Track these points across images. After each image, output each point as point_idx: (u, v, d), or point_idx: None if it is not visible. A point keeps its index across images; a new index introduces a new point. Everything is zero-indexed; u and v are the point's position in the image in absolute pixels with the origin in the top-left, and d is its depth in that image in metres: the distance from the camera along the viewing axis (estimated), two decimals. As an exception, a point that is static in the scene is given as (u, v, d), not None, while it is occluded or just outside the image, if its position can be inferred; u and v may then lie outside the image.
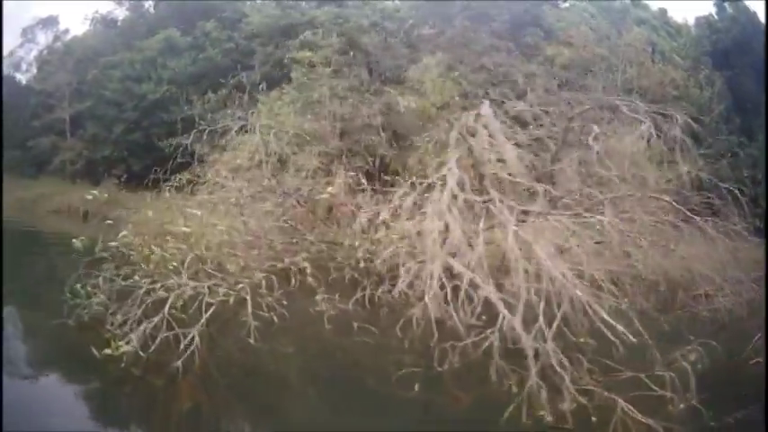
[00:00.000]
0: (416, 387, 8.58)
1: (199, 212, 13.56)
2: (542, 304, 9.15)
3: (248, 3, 45.31)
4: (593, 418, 7.38)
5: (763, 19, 36.06)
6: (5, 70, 54.06)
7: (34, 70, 52.79)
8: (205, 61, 40.12)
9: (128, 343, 8.36)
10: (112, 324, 9.25)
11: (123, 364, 8.19)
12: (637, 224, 12.73)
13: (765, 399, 7.25)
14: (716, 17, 38.55)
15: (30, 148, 47.08)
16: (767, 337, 8.67)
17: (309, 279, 12.73)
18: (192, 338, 8.85)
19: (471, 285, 10.68)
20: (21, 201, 40.14)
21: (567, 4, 46.06)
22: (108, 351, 8.15)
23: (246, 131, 20.57)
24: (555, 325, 8.81)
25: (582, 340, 9.13)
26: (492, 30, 34.11)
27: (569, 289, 9.26)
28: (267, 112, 23.62)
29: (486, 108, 15.96)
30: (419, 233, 12.66)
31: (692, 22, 45.60)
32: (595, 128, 14.50)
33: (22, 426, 6.69)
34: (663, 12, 51.36)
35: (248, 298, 10.25)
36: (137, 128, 39.94)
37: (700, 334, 9.85)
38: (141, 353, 8.43)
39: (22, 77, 54.04)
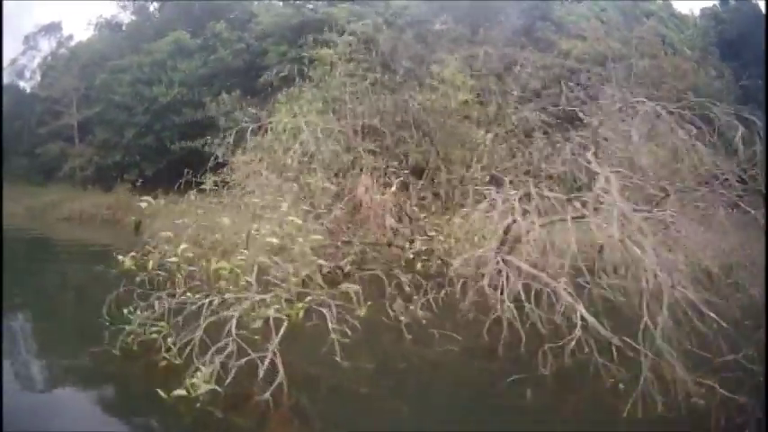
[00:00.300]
0: (528, 393, 7.69)
1: (244, 217, 12.02)
2: (645, 299, 7.98)
3: (256, 3, 44.01)
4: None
5: (764, 9, 36.14)
6: (8, 78, 52.81)
7: (38, 77, 51.54)
8: (216, 62, 38.67)
9: (197, 376, 6.73)
10: (169, 351, 7.73)
11: (199, 404, 6.61)
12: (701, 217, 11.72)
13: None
14: (719, 8, 38.05)
15: (37, 155, 45.65)
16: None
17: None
18: (272, 362, 7.29)
19: (546, 285, 9.63)
20: (30, 209, 38.78)
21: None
22: (180, 392, 6.45)
23: (266, 132, 18.40)
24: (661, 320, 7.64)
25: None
26: (503, 25, 33.18)
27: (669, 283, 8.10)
28: (287, 112, 22.63)
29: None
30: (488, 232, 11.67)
31: (696, 13, 44.52)
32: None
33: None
34: (668, 4, 49.73)
35: (332, 308, 8.67)
36: (148, 131, 38.46)
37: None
38: (217, 387, 6.80)
39: (25, 85, 52.74)
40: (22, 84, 52.62)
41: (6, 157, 49.71)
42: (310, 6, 38.39)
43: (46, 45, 51.90)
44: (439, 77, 25.08)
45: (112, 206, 34.25)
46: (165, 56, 39.49)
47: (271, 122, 20.52)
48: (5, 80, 52.87)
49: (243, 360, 7.22)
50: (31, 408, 6.88)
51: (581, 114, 14.98)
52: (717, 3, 40.48)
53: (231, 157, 21.18)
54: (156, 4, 48.28)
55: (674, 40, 40.64)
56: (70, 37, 50.73)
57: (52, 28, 51.14)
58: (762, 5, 35.81)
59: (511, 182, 12.31)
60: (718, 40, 36.23)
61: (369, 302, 9.84)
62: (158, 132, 38.30)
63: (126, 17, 50.28)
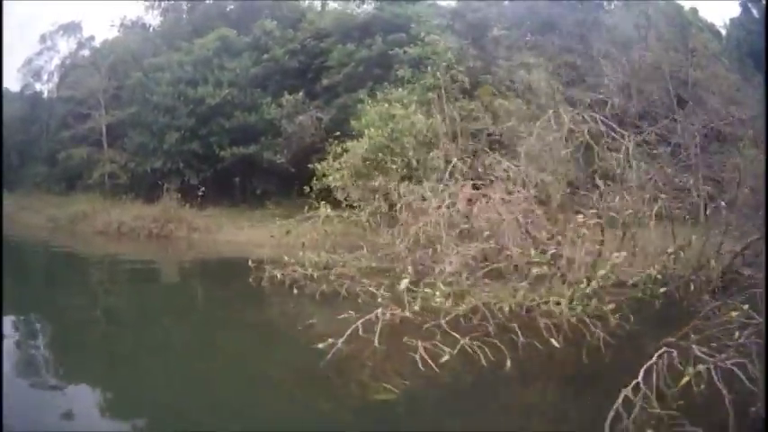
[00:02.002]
0: None
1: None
2: None
3: (307, 2, 38.73)
4: None
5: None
6: (22, 80, 46.41)
7: (55, 79, 45.14)
8: (270, 62, 33.06)
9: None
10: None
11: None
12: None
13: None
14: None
15: (58, 161, 39.34)
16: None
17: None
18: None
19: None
20: (54, 220, 32.66)
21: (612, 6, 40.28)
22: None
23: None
24: None
25: None
26: (560, 32, 30.74)
27: None
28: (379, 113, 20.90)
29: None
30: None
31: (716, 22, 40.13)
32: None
33: None
34: (694, 11, 45.05)
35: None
36: (193, 136, 32.52)
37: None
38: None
39: (42, 87, 46.28)
40: (38, 86, 46.17)
41: (22, 164, 43.56)
42: (372, 6, 33.13)
43: (64, 45, 45.57)
44: (526, 84, 22.85)
45: (159, 218, 28.34)
46: (209, 54, 33.65)
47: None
48: (20, 82, 46.66)
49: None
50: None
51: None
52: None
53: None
54: (187, 4, 42.29)
55: (714, 50, 37.23)
56: (91, 38, 44.52)
57: (71, 28, 44.68)
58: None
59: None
60: (751, 51, 32.75)
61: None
62: (205, 137, 32.47)
63: (153, 18, 44.34)
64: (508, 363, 7.96)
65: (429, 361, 7.84)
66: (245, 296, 14.03)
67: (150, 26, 44.08)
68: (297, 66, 32.81)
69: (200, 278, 19.69)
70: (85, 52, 43.79)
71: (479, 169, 15.68)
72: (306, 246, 15.35)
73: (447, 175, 14.98)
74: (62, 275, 19.52)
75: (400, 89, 24.42)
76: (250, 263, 14.40)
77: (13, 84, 62.78)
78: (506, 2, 34.80)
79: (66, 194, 37.21)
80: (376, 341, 8.59)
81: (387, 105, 21.34)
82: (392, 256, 14.38)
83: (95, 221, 30.66)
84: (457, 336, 8.48)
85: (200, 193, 28.65)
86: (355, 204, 17.72)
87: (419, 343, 8.12)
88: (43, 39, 45.10)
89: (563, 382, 8.29)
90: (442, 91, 20.72)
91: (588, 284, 9.77)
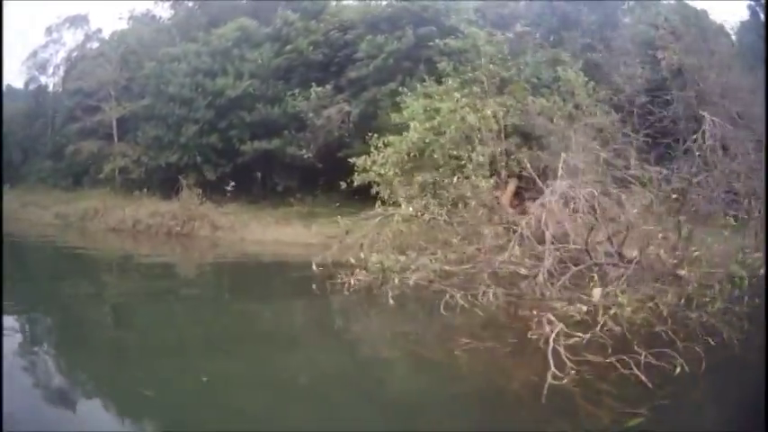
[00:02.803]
0: None
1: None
2: None
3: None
4: None
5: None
6: (27, 73, 43.86)
7: (62, 72, 42.54)
8: (293, 54, 30.64)
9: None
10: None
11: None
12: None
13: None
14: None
15: (63, 156, 36.81)
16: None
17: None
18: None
19: None
20: (62, 217, 30.17)
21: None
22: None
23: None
24: None
25: None
26: (581, 31, 29.20)
27: None
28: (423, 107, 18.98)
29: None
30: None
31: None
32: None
33: None
34: (704, 14, 42.90)
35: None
36: (212, 129, 29.89)
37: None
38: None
39: (48, 80, 43.65)
40: (43, 79, 43.54)
41: (26, 160, 41.03)
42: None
43: (71, 38, 43.10)
44: (565, 81, 21.35)
45: (179, 215, 25.93)
46: (229, 45, 31.17)
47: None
48: (25, 76, 44.10)
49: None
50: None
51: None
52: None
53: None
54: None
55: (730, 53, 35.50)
56: (99, 30, 41.96)
57: (78, 20, 42.19)
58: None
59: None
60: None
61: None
62: (224, 130, 29.86)
63: (163, 10, 41.86)
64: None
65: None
66: (329, 310, 12.37)
67: (161, 18, 41.60)
68: (320, 58, 30.44)
69: (253, 286, 16.90)
70: (93, 44, 41.32)
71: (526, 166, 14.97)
72: (365, 246, 13.58)
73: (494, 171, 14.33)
74: (75, 277, 16.97)
75: (444, 82, 22.03)
76: (314, 267, 12.16)
77: (15, 78, 60.49)
78: (523, 1, 33.25)
79: (74, 190, 34.75)
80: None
81: (429, 99, 19.41)
82: (466, 257, 12.62)
83: (108, 218, 28.19)
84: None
85: (228, 188, 26.61)
86: (401, 201, 15.76)
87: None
88: (49, 31, 42.65)
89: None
90: (486, 85, 19.01)
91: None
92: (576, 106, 18.52)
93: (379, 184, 16.91)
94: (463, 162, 16.68)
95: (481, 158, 15.93)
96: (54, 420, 6.57)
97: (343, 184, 18.75)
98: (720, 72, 27.86)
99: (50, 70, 42.92)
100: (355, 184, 18.05)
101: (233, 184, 26.50)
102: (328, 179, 25.97)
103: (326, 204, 26.10)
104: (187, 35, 33.57)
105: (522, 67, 24.06)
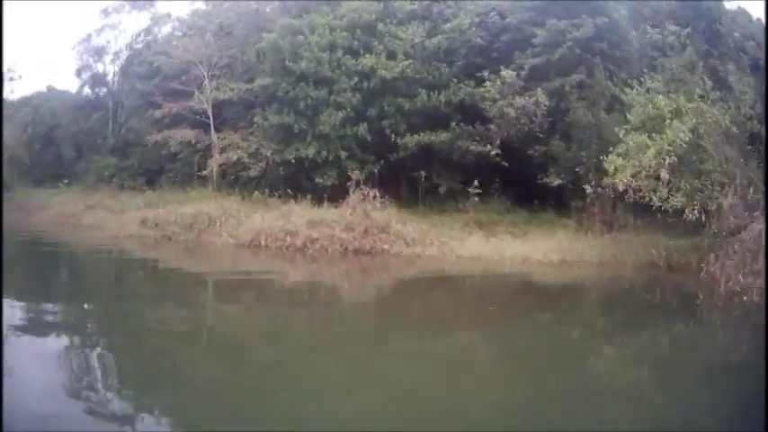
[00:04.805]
0: None
1: None
2: None
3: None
4: None
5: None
6: (79, 59, 35.25)
7: (122, 59, 34.04)
8: (455, 33, 22.73)
9: None
10: None
11: None
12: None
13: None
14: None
15: (131, 151, 28.53)
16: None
17: None
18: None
19: None
20: (153, 224, 21.75)
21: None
22: None
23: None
24: None
25: None
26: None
27: None
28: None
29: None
30: None
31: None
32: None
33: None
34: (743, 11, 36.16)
35: None
36: (358, 117, 21.85)
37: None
38: None
39: (107, 68, 35.01)
40: (100, 66, 34.87)
41: (80, 157, 32.56)
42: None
43: (132, 22, 35.06)
44: None
45: (354, 225, 17.81)
46: (371, 18, 23.56)
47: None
48: (76, 62, 35.44)
49: None
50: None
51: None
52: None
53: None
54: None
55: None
56: (168, 15, 33.69)
57: (140, 3, 34.06)
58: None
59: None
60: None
61: None
62: (374, 120, 21.96)
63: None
64: None
65: None
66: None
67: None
68: (479, 42, 23.03)
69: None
70: (162, 29, 33.19)
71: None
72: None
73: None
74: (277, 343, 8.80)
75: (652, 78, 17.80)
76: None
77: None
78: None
79: (148, 190, 26.26)
80: None
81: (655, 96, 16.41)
82: None
83: (229, 228, 19.80)
84: None
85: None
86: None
87: None
88: (105, 13, 34.17)
89: None
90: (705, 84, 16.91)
91: None
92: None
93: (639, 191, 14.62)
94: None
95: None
96: None
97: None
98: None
99: (108, 57, 34.29)
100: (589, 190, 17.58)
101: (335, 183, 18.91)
102: (508, 179, 21.60)
103: (500, 210, 20.99)
104: (304, 8, 25.54)
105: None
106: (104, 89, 34.25)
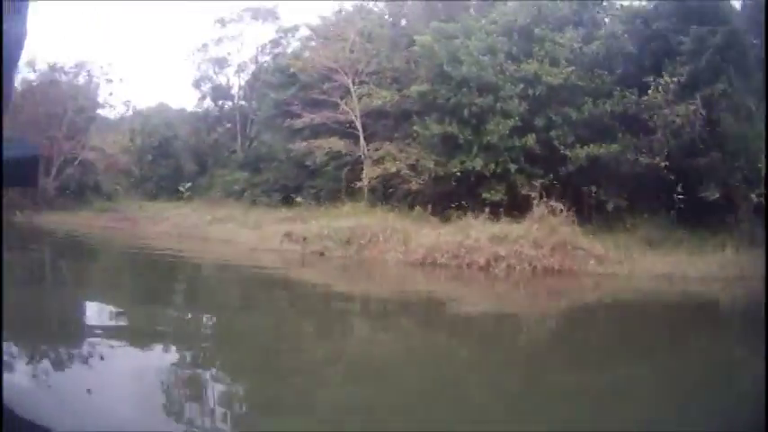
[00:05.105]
0: None
1: None
2: None
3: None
4: None
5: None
6: (198, 69, 34.77)
7: (249, 70, 33.25)
8: (610, 40, 20.79)
9: None
10: None
11: None
12: None
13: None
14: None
15: (263, 166, 27.38)
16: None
17: None
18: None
19: None
20: (301, 240, 20.09)
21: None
22: None
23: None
24: None
25: None
26: None
27: None
28: None
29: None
30: None
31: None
32: None
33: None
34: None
35: None
36: (526, 127, 19.97)
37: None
38: None
39: (232, 80, 34.33)
40: (222, 78, 34.20)
41: (203, 171, 31.78)
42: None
43: (253, 33, 34.35)
44: None
45: (541, 241, 15.72)
46: (527, 22, 21.56)
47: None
48: (194, 73, 34.97)
49: None
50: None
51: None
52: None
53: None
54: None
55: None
56: (295, 27, 32.73)
57: (263, 13, 33.27)
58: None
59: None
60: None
61: None
62: (542, 130, 20.04)
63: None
64: None
65: None
66: None
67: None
68: (631, 49, 20.72)
69: None
70: (290, 41, 32.25)
71: None
72: None
73: None
74: None
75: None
76: None
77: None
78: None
79: (278, 206, 24.91)
80: None
81: None
82: None
83: (397, 244, 17.87)
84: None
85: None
86: None
87: None
88: (222, 23, 33.48)
89: None
90: None
91: None
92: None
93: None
94: None
95: None
96: None
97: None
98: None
99: (230, 69, 33.56)
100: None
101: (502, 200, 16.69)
102: (668, 193, 19.16)
103: (667, 226, 18.65)
104: (449, 12, 23.86)
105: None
106: (229, 102, 33.36)
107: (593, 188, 19.67)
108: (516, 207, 18.58)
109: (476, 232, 16.54)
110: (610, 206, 19.67)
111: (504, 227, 16.67)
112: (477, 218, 17.68)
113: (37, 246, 21.40)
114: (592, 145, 19.39)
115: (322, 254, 18.75)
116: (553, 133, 19.96)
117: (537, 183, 18.54)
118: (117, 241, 24.58)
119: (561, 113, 20.01)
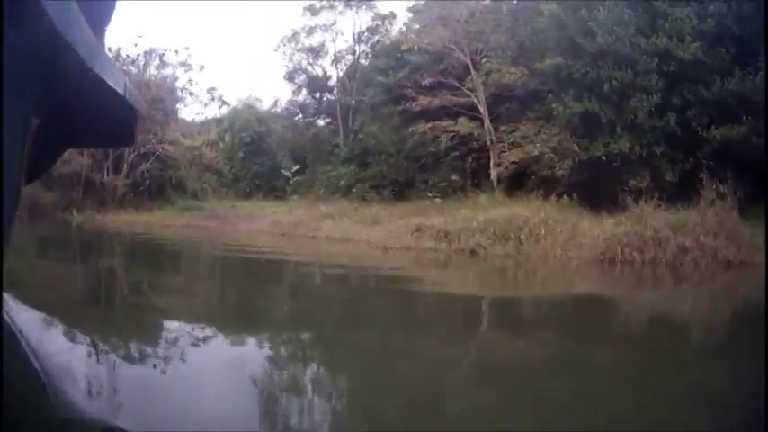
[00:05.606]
0: None
1: None
2: None
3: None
4: None
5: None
6: (289, 60, 34.00)
7: (348, 60, 32.35)
8: (720, 18, 19.13)
9: None
10: None
11: None
12: None
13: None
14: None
15: (367, 162, 26.46)
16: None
17: None
18: None
19: None
20: (436, 234, 18.58)
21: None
22: None
23: None
24: None
25: None
26: None
27: None
28: None
29: None
30: None
31: None
32: None
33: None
34: None
35: None
36: (665, 106, 18.66)
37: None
38: None
39: (330, 70, 33.38)
40: (317, 69, 33.47)
41: (303, 169, 30.96)
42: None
43: (348, 22, 33.42)
44: None
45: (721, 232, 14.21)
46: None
47: None
48: (286, 64, 34.24)
49: None
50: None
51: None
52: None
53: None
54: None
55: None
56: (392, 14, 31.57)
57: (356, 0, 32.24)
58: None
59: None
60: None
61: None
62: (680, 110, 18.66)
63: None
64: None
65: None
66: None
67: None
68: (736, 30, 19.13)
69: None
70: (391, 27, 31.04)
71: None
72: None
73: None
74: None
75: None
76: None
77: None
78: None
79: (390, 202, 23.83)
80: None
81: None
82: None
83: (562, 239, 16.34)
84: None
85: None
86: None
87: None
88: (313, 11, 32.46)
89: None
90: None
91: None
92: None
93: None
94: None
95: None
96: None
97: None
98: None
99: (326, 59, 32.68)
100: None
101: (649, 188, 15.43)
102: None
103: None
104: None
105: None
106: (327, 94, 32.54)
107: (729, 173, 17.74)
108: (661, 194, 16.74)
109: (656, 222, 14.88)
110: (740, 193, 17.80)
111: (681, 215, 15.04)
112: (648, 205, 15.90)
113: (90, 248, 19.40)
114: (721, 127, 17.86)
115: (474, 252, 16.83)
116: (689, 113, 18.75)
117: (704, 163, 16.80)
118: (210, 241, 22.00)
119: (694, 92, 18.86)
